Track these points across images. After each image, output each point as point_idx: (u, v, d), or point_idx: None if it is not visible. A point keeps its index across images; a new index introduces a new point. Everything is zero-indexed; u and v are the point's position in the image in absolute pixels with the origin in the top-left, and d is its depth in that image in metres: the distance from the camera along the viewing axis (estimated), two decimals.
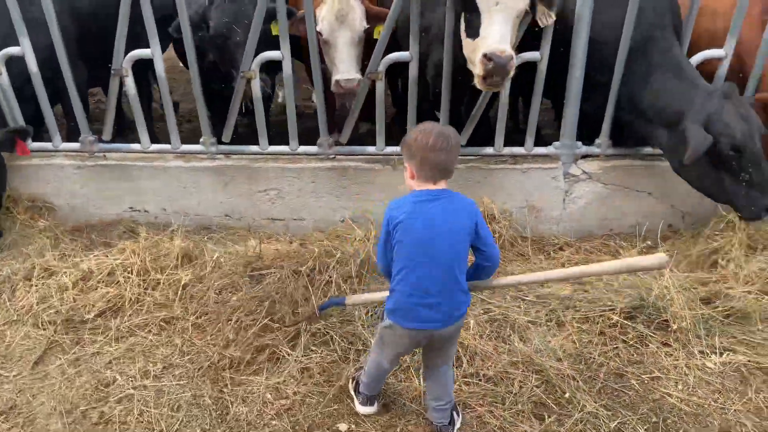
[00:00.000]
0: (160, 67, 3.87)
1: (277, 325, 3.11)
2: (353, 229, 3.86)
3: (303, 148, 4.11)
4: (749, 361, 2.96)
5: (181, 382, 2.95)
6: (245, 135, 4.73)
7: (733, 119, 3.28)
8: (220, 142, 4.16)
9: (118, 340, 3.20)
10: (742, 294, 3.26)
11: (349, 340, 3.11)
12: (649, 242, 3.90)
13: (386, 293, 2.48)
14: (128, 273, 3.50)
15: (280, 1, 3.61)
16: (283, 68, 3.79)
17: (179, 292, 3.43)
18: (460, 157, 3.95)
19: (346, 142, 4.10)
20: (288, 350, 3.05)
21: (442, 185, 2.34)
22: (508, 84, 3.78)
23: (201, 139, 4.12)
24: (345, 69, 3.89)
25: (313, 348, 3.07)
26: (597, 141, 3.97)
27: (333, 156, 4.08)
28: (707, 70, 3.68)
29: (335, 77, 3.88)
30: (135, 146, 4.18)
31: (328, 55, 3.98)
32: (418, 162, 2.29)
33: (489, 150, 4.02)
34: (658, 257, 2.43)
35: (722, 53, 3.68)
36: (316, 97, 3.94)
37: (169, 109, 4.05)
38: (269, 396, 2.86)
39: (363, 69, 3.91)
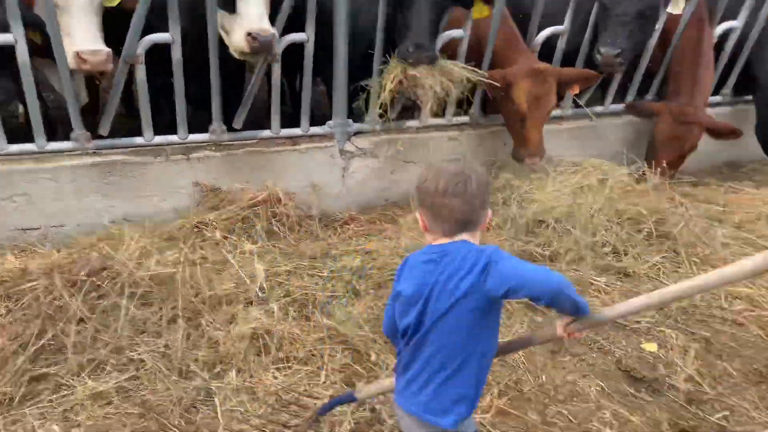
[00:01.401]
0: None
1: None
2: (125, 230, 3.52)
3: (53, 145, 3.60)
4: None
5: None
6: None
7: None
8: None
9: None
10: None
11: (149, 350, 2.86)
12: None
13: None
14: None
15: None
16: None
17: None
18: (240, 141, 3.92)
19: (107, 134, 3.71)
20: (73, 377, 2.70)
21: (462, 237, 1.84)
22: (278, 66, 3.80)
23: None
24: (86, 39, 3.30)
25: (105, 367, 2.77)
26: (366, 118, 4.18)
27: (93, 151, 3.66)
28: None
29: (74, 49, 3.28)
30: None
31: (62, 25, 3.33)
32: (428, 211, 1.85)
33: (266, 133, 3.99)
34: None
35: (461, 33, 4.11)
36: (63, 84, 3.44)
37: None
38: (56, 428, 2.51)
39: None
